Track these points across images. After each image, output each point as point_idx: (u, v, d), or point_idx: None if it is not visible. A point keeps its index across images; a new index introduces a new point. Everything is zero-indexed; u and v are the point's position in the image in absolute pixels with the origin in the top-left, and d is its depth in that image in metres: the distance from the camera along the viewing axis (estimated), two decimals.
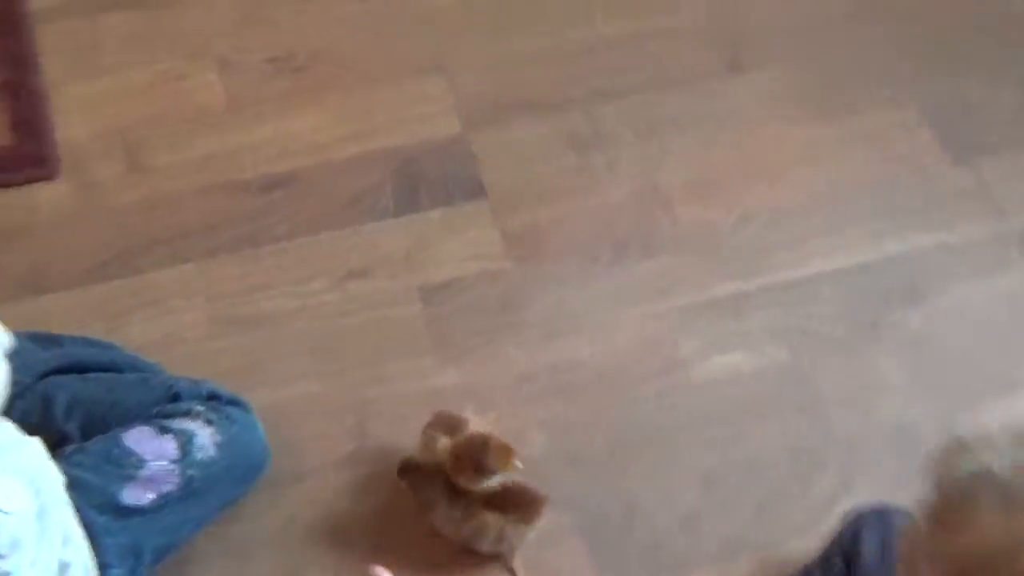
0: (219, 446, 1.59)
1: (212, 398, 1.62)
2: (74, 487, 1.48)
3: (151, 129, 1.98)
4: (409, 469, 1.63)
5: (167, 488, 1.55)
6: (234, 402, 1.63)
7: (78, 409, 1.60)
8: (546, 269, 1.88)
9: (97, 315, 1.79)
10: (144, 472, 1.53)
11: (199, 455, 1.57)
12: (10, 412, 1.58)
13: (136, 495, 1.52)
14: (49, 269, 1.85)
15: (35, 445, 1.45)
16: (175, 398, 1.61)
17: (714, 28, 2.16)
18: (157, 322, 1.80)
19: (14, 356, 1.63)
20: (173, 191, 1.92)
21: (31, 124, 1.97)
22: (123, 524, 1.51)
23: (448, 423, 1.63)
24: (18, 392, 1.61)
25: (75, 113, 2.00)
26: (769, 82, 2.11)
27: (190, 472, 1.56)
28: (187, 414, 1.59)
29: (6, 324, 1.54)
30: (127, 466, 1.53)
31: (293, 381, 1.75)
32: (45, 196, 1.92)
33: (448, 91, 2.04)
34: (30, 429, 1.56)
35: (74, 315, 1.77)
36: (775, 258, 1.92)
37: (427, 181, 1.95)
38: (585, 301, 1.86)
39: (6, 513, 1.30)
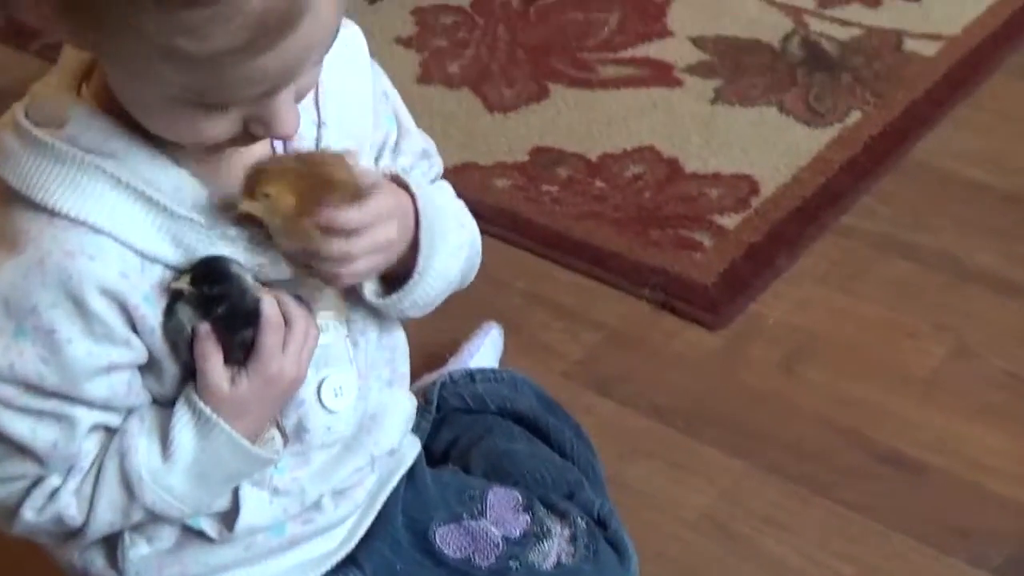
0: (558, 568, 1.28)
1: (601, 524, 1.32)
2: (409, 484, 1.29)
3: (826, 354, 1.75)
4: None
5: (479, 559, 1.28)
6: (617, 546, 1.31)
7: (495, 459, 1.40)
8: None
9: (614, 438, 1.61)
10: (472, 524, 1.29)
11: (532, 557, 1.29)
12: (449, 418, 1.45)
13: (446, 539, 1.29)
14: (637, 389, 1.71)
15: (408, 406, 1.29)
16: (570, 496, 1.34)
17: None
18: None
19: (507, 385, 1.50)
20: (793, 406, 1.67)
21: (738, 281, 1.85)
22: (410, 552, 1.28)
23: None
24: (478, 408, 1.47)
25: (783, 300, 1.83)
26: None
27: (512, 563, 1.28)
28: (562, 516, 1.32)
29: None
30: (464, 505, 1.31)
31: None
32: (692, 336, 1.79)
33: None
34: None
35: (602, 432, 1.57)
36: None
37: None
38: None
39: (328, 411, 1.17)
